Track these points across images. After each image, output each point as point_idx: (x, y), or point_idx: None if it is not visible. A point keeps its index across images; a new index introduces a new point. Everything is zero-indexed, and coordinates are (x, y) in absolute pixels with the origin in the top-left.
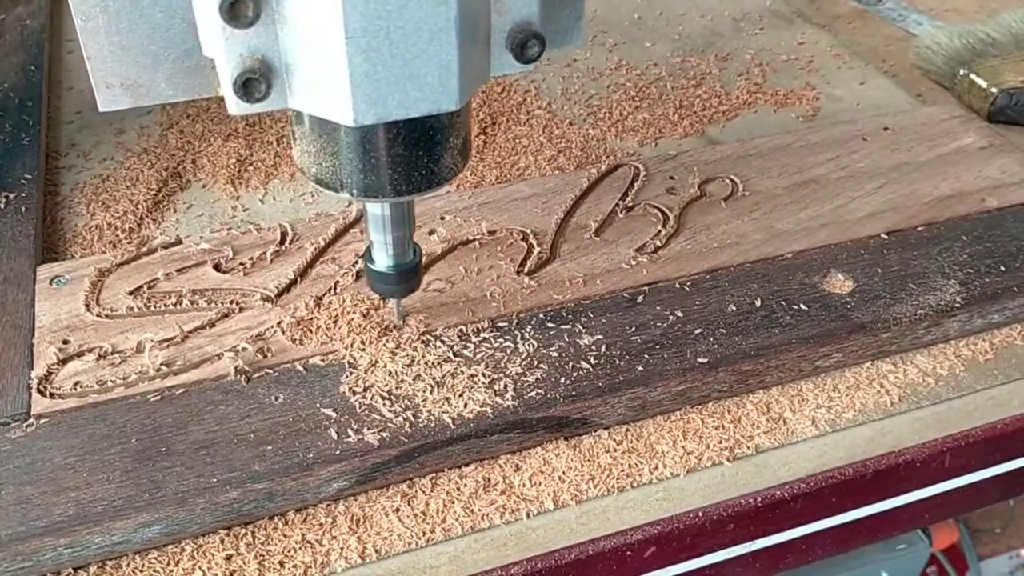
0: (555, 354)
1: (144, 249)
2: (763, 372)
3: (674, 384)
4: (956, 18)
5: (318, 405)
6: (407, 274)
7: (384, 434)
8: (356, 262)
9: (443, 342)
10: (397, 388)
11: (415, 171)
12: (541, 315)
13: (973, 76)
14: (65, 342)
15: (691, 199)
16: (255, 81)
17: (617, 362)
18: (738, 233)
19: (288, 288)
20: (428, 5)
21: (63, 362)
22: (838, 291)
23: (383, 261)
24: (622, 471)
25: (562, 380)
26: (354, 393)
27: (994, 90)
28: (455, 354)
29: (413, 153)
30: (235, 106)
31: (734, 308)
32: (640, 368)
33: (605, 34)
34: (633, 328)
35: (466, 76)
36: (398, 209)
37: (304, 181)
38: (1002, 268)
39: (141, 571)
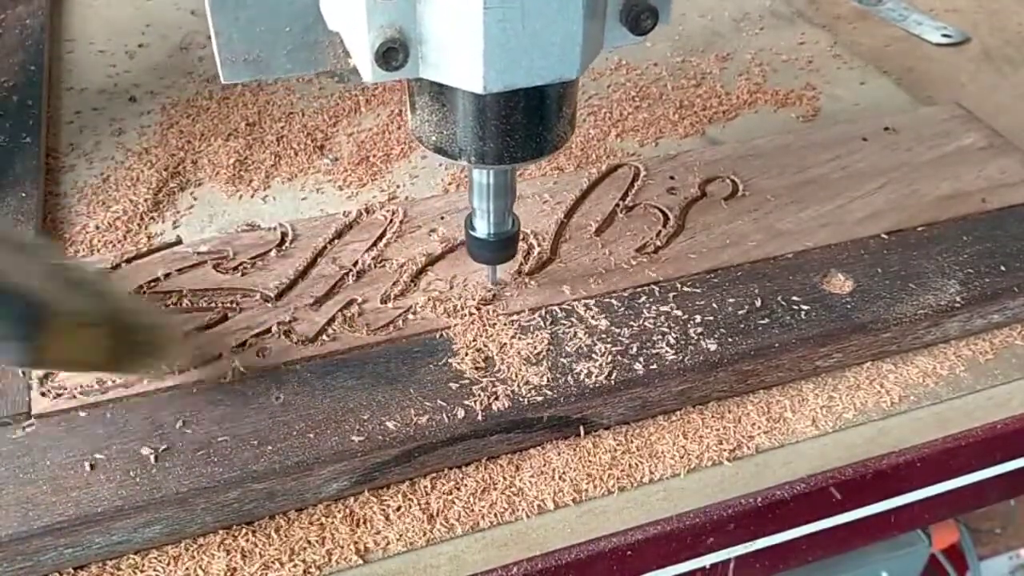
0: (555, 354)
1: (144, 249)
2: (763, 372)
3: (674, 384)
4: (956, 18)
5: (317, 405)
6: (506, 242)
7: (383, 434)
8: (356, 261)
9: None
10: None
11: (531, 138)
12: (541, 315)
13: None
14: None
15: (691, 199)
16: (394, 51)
17: (617, 362)
18: (738, 233)
19: (288, 288)
20: None
21: None
22: (838, 291)
23: (484, 228)
24: (622, 471)
25: (562, 380)
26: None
27: None
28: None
29: (531, 120)
30: (372, 74)
31: (734, 308)
32: (640, 368)
33: None
34: (633, 328)
35: (587, 46)
36: (503, 177)
37: (304, 181)
38: (1002, 268)
39: (141, 571)
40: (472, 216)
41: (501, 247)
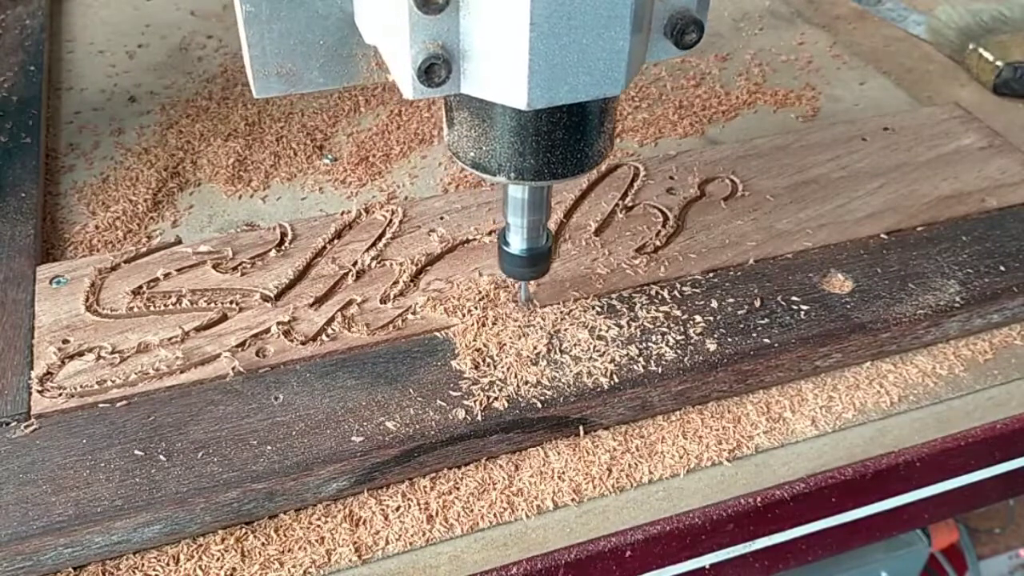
0: (555, 354)
1: (144, 249)
2: (763, 372)
3: (674, 384)
4: None
5: (317, 405)
6: (539, 257)
7: (383, 434)
8: (356, 261)
9: None
10: None
11: (572, 154)
12: (541, 315)
13: (981, 50)
14: (65, 342)
15: (691, 199)
16: (437, 66)
17: (617, 362)
18: (738, 233)
19: (288, 288)
20: None
21: (63, 362)
22: (838, 291)
23: (518, 244)
24: (622, 471)
25: (561, 380)
26: None
27: (999, 64)
28: (455, 354)
29: (573, 137)
30: (413, 91)
31: (734, 308)
32: (640, 368)
33: None
34: (633, 328)
35: (632, 62)
36: (539, 193)
37: (304, 181)
38: (1002, 268)
39: (141, 571)
40: (505, 231)
41: (534, 262)
